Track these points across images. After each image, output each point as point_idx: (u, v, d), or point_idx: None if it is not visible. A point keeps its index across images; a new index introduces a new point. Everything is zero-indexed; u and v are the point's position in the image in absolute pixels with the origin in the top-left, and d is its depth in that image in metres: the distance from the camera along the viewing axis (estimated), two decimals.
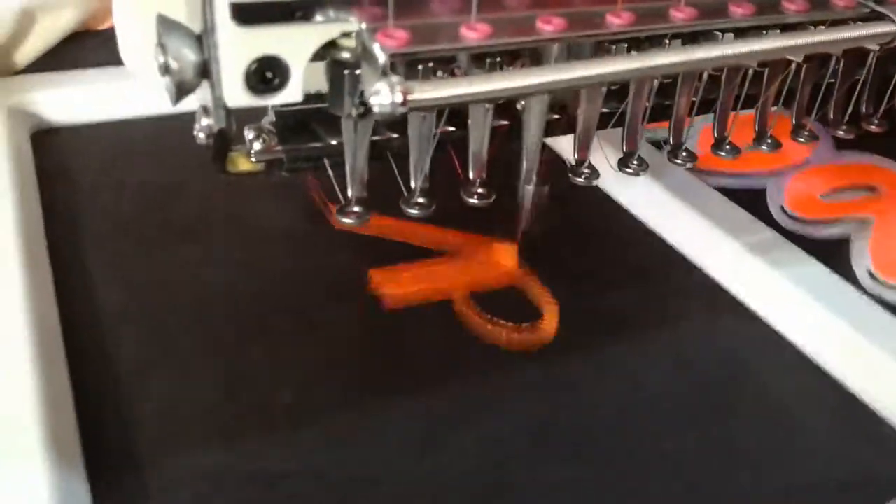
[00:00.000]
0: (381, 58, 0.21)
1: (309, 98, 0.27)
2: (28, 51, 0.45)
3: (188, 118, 0.24)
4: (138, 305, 0.32)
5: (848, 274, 0.37)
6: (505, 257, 0.36)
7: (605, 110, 0.31)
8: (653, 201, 0.39)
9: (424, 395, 0.31)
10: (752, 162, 0.32)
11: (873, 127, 0.40)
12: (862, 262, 0.38)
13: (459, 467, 0.28)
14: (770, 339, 0.35)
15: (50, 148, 0.40)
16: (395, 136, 0.29)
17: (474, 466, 0.28)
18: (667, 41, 0.27)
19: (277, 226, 0.37)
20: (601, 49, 0.26)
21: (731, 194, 0.33)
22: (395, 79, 0.20)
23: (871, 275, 0.37)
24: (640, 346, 0.35)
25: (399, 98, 0.20)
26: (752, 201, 0.40)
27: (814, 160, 0.33)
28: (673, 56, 0.24)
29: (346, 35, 0.22)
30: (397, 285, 0.34)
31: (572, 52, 0.26)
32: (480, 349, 0.33)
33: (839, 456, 0.30)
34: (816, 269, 0.36)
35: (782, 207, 0.41)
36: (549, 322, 0.34)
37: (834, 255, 0.38)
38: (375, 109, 0.20)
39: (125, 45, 0.24)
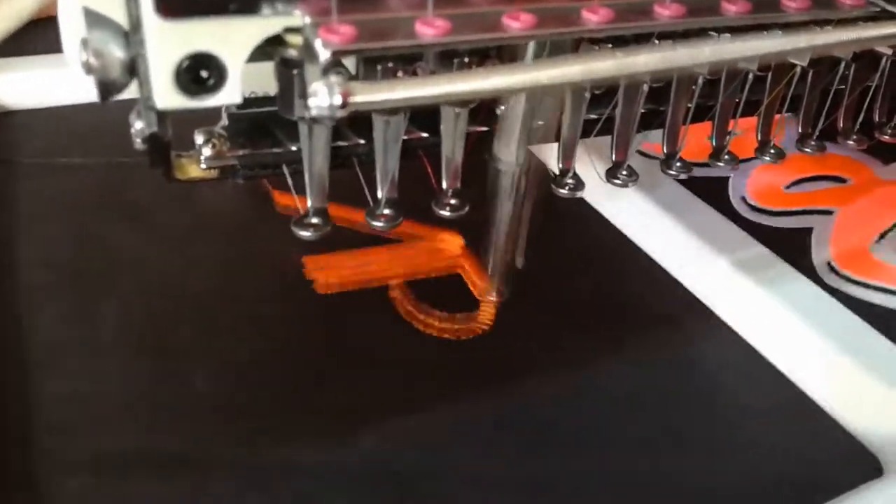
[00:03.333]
0: (322, 55, 0.19)
1: (264, 100, 0.26)
2: None
3: None
4: (66, 287, 0.31)
5: (807, 266, 0.36)
6: (449, 245, 0.35)
7: (592, 116, 0.29)
8: (616, 196, 0.37)
9: (352, 383, 0.29)
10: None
11: (887, 137, 0.37)
12: (822, 254, 0.37)
13: (381, 457, 0.27)
14: (723, 333, 0.34)
15: (2, 131, 0.40)
16: (362, 141, 0.27)
17: (395, 456, 0.27)
18: (654, 41, 0.25)
19: (221, 209, 0.35)
20: (581, 49, 0.24)
21: (692, 183, 0.31)
22: (334, 78, 0.18)
23: (831, 267, 0.36)
24: (584, 336, 0.33)
25: (338, 100, 0.18)
26: (713, 191, 0.39)
27: (785, 148, 0.32)
28: (655, 56, 0.22)
29: (294, 31, 0.20)
30: (331, 273, 0.33)
31: (553, 54, 0.24)
32: (413, 337, 0.31)
33: (783, 453, 0.29)
34: (771, 260, 0.35)
35: (744, 198, 0.40)
36: (485, 313, 0.33)
37: (794, 245, 0.37)
38: (313, 112, 0.18)
39: (67, 36, 0.23)
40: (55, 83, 0.42)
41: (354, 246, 0.33)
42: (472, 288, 0.34)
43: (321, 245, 0.29)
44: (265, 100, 0.25)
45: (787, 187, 0.42)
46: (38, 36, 0.44)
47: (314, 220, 0.25)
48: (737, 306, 0.34)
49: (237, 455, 0.26)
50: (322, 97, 0.18)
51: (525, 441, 0.28)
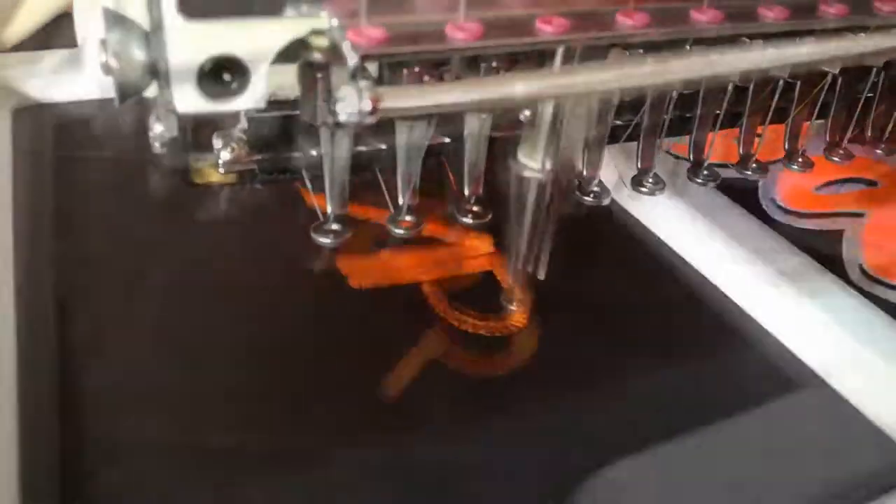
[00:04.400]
0: (351, 59, 0.18)
1: (285, 103, 0.25)
2: (16, 30, 0.45)
3: None
4: (96, 280, 0.32)
5: (839, 269, 0.36)
6: (480, 245, 0.35)
7: (618, 122, 0.28)
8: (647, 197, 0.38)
9: (380, 374, 0.30)
10: None
11: None
12: (854, 257, 0.37)
13: (408, 445, 0.27)
14: (760, 335, 0.34)
15: (30, 125, 0.41)
16: (383, 147, 0.26)
17: (420, 446, 0.28)
18: (688, 47, 0.24)
19: (254, 202, 0.35)
20: (612, 54, 0.23)
21: (722, 185, 0.32)
22: (363, 83, 0.17)
23: (863, 270, 0.36)
24: (616, 336, 0.33)
25: (367, 106, 0.17)
26: (744, 192, 0.39)
27: (809, 151, 0.32)
28: (692, 63, 0.21)
29: (319, 33, 0.20)
30: (365, 275, 0.33)
31: (583, 58, 0.23)
32: (445, 332, 0.32)
33: (821, 456, 0.29)
34: (805, 265, 0.35)
35: (773, 199, 0.40)
36: (519, 314, 0.33)
37: (825, 249, 0.37)
38: (341, 118, 0.17)
39: (82, 34, 0.22)
40: (80, 77, 0.42)
41: (385, 243, 0.33)
42: (504, 286, 0.34)
43: (355, 240, 0.29)
44: (285, 103, 0.25)
45: (817, 189, 0.41)
46: (66, 30, 0.45)
47: (334, 227, 0.25)
48: (773, 309, 0.34)
49: (265, 441, 0.27)
50: (351, 103, 0.17)
51: (555, 438, 0.29)
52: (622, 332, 0.33)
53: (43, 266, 0.32)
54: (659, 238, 0.38)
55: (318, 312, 0.33)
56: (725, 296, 0.35)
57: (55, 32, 0.47)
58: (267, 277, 0.34)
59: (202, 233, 0.35)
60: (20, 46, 0.46)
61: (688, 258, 0.37)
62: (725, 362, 0.33)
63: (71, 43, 0.42)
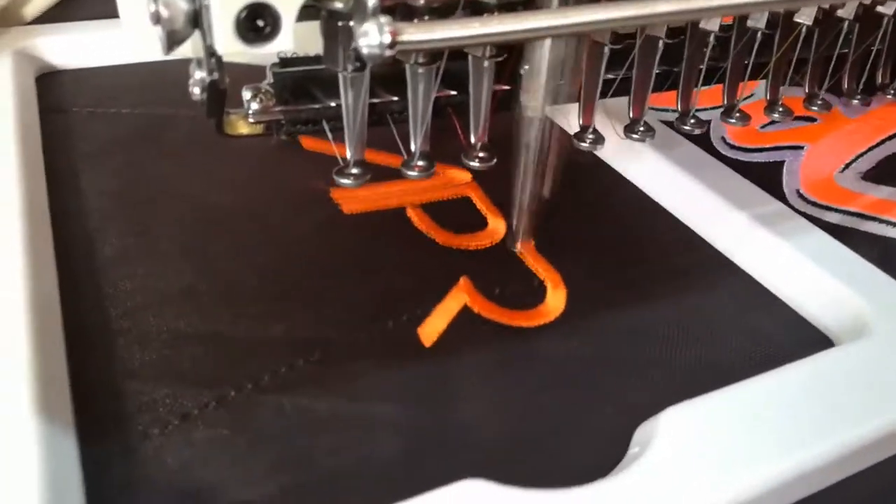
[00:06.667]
0: (371, 0, 0.20)
1: (308, 60, 0.27)
2: (36, 4, 0.50)
3: (178, 64, 0.24)
4: (120, 209, 0.36)
5: (779, 193, 0.41)
6: (459, 174, 0.39)
7: (610, 76, 0.31)
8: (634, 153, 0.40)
9: (373, 279, 0.33)
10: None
11: (890, 96, 0.39)
12: (792, 182, 0.42)
13: (401, 342, 0.30)
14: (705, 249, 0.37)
15: (53, 87, 0.45)
16: (396, 98, 0.28)
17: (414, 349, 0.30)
18: None
19: (256, 146, 0.39)
20: None
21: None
22: (383, 19, 0.20)
23: (800, 194, 0.41)
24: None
25: (388, 38, 0.20)
26: (699, 137, 0.42)
27: (759, 92, 0.35)
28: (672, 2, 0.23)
29: None
30: (356, 202, 0.37)
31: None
32: (432, 249, 0.35)
33: (760, 337, 0.32)
34: (750, 189, 0.38)
35: (723, 137, 0.45)
36: (495, 225, 0.36)
37: (768, 176, 0.42)
38: (364, 51, 0.20)
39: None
40: (96, 46, 0.47)
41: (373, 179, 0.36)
42: (480, 209, 0.38)
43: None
44: (306, 60, 0.27)
45: (762, 127, 0.46)
46: (80, 4, 0.50)
47: (353, 170, 0.27)
48: (716, 226, 0.38)
49: (265, 333, 0.30)
50: (373, 36, 0.20)
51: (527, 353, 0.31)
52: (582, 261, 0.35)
53: (77, 200, 0.36)
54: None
55: (312, 232, 0.36)
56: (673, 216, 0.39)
57: (71, 7, 0.51)
58: (263, 203, 0.37)
59: (208, 170, 0.39)
60: (38, 20, 0.50)
61: (635, 182, 0.41)
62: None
63: (84, 16, 0.49)
